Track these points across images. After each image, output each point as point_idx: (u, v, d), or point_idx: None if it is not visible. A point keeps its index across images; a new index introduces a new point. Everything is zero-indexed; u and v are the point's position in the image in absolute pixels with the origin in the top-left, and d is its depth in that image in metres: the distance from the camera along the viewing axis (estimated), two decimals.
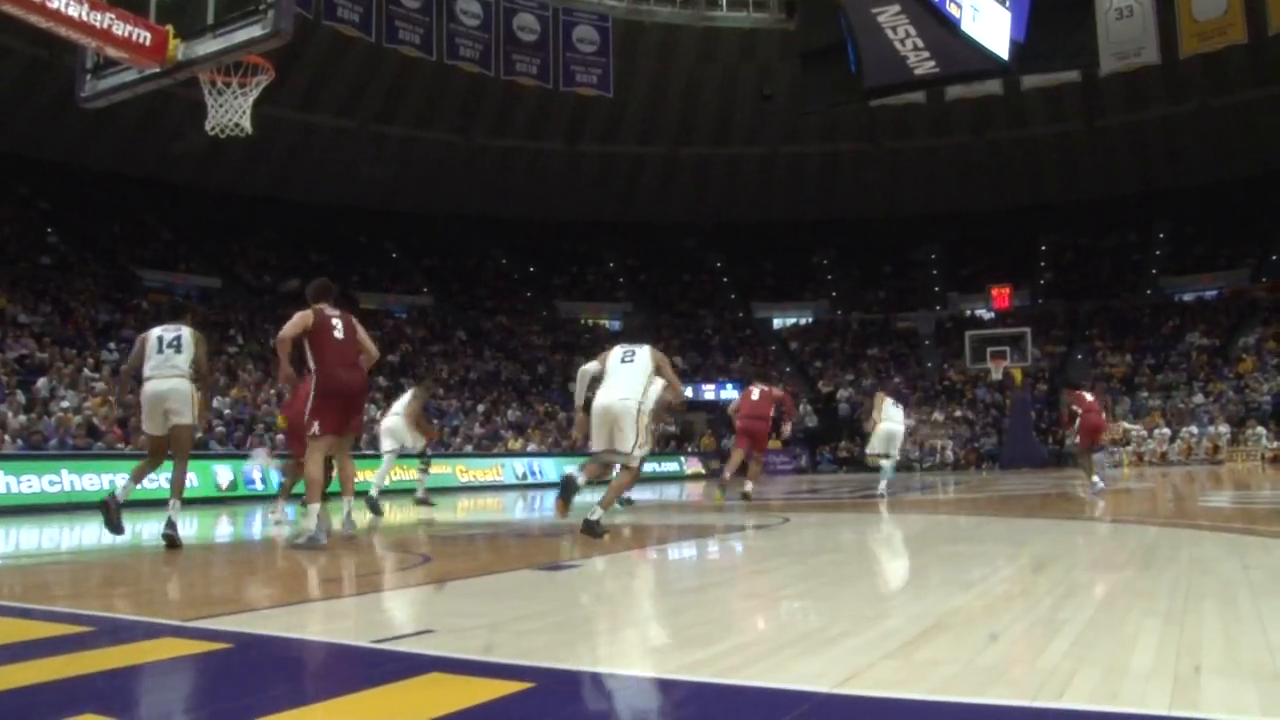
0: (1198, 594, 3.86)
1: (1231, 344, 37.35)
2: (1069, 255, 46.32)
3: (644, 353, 8.14)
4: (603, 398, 7.96)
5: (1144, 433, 32.41)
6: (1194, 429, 32.25)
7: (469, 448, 27.26)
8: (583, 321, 44.47)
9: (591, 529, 7.41)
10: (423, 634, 3.42)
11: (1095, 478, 13.16)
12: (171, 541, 7.37)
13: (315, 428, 7.40)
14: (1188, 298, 42.39)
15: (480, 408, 31.43)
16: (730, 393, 37.05)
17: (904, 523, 9.50)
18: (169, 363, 7.65)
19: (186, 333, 7.81)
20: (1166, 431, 32.37)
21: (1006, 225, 44.14)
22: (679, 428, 35.90)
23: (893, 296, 46.67)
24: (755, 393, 13.84)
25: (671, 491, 16.84)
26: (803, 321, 46.50)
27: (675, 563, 6.58)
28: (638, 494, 14.78)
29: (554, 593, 4.90)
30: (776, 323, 46.39)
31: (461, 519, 12.17)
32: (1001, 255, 45.02)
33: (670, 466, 31.25)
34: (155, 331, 7.87)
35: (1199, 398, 34.20)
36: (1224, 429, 31.65)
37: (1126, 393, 35.96)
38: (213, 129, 10.77)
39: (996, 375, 34.19)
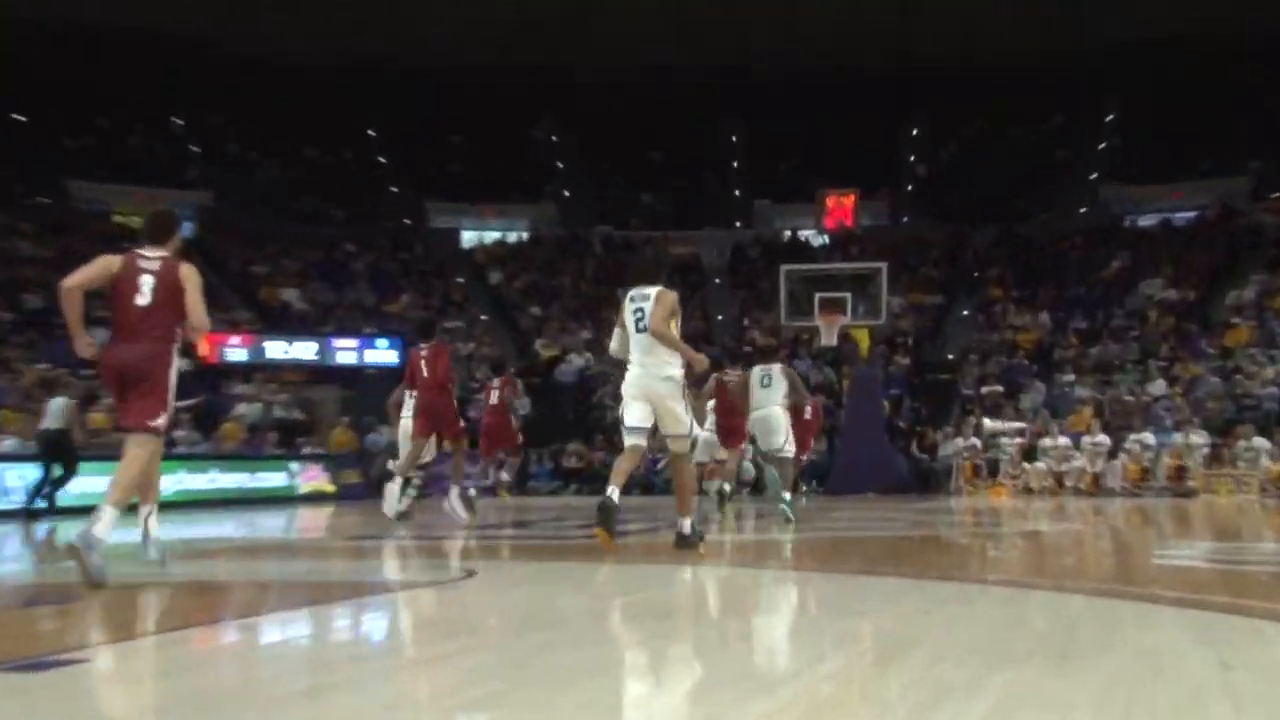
0: (1146, 709, 3.37)
1: (1215, 298, 32.43)
2: (953, 145, 43.61)
3: (650, 305, 9.08)
4: (632, 372, 9.12)
5: (1066, 442, 26.94)
6: (1149, 437, 27.25)
7: None
8: (115, 218, 34.43)
9: (685, 542, 8.81)
10: None
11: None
12: None
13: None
14: (1147, 222, 37.27)
15: None
16: (387, 354, 33.60)
17: (669, 579, 8.03)
18: None
19: None
20: (1104, 440, 27.01)
21: (854, 92, 39.75)
22: (302, 411, 30.02)
23: (664, 205, 43.35)
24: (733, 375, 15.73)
25: (275, 523, 15.52)
26: (511, 238, 40.91)
27: (272, 648, 5.37)
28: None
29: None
30: (467, 237, 41.06)
31: None
32: (843, 141, 40.84)
33: (274, 480, 24.93)
34: None
35: (1158, 385, 29.08)
36: (1199, 438, 26.58)
37: (1039, 374, 30.27)
38: None
39: (829, 340, 27.77)
